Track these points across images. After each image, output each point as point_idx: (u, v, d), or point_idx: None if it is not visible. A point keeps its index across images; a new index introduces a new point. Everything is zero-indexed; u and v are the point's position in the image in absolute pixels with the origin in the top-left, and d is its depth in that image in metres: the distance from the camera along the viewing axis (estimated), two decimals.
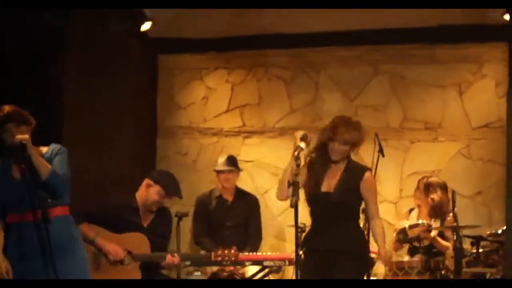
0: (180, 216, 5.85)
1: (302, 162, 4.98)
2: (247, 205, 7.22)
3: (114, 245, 5.72)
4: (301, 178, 4.90)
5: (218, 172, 7.17)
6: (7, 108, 4.79)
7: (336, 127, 5.13)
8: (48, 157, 4.87)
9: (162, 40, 8.31)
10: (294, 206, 4.59)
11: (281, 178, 5.11)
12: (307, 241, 5.29)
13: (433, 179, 6.90)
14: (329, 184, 5.17)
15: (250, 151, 8.31)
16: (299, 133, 4.99)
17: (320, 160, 5.19)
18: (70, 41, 6.80)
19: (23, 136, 4.69)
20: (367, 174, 5.22)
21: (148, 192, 5.90)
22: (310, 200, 5.22)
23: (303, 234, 5.61)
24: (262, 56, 8.34)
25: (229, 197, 7.20)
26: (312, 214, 5.26)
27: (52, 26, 6.52)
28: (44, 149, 4.93)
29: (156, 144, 8.54)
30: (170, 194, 5.96)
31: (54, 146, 4.96)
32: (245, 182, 7.77)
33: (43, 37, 6.52)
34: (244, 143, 8.38)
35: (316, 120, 8.07)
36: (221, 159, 7.22)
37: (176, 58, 8.59)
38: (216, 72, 8.54)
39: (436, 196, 6.76)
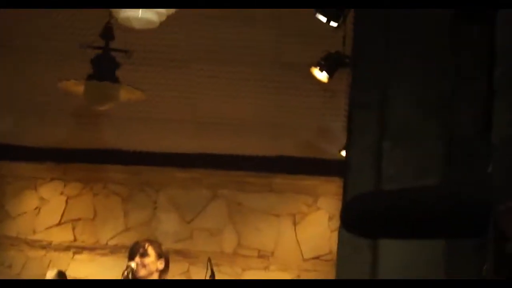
0: None
1: None
2: None
3: None
4: None
5: None
6: None
7: None
8: None
9: None
10: None
11: None
12: None
13: None
14: None
15: (79, 268, 8.03)
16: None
17: None
18: None
19: None
20: None
21: None
22: None
23: None
24: (101, 171, 8.23)
25: None
26: None
27: None
28: None
29: None
30: None
31: None
32: None
33: None
34: (74, 259, 8.11)
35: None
36: (50, 274, 6.91)
37: (10, 165, 8.32)
38: (52, 183, 8.32)
39: None
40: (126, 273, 4.88)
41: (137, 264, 5.03)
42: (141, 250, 5.13)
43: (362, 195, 2.71)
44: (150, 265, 5.11)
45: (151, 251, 5.15)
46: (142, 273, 5.08)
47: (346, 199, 4.43)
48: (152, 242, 5.39)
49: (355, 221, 2.32)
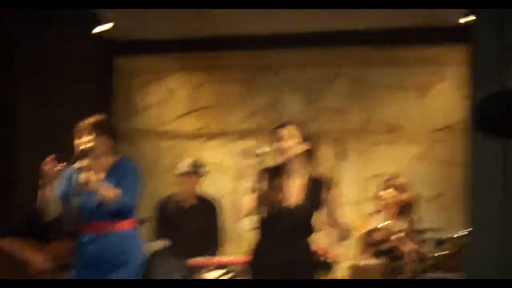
0: (141, 222, 5.68)
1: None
2: (206, 210, 7.10)
3: (37, 255, 5.63)
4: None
5: (179, 175, 7.03)
6: (94, 117, 4.89)
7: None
8: (115, 171, 4.86)
9: (118, 42, 8.17)
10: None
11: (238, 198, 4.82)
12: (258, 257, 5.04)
13: (399, 180, 6.86)
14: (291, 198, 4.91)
15: (210, 154, 8.20)
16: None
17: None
18: (20, 42, 6.64)
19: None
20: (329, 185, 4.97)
21: None
22: (268, 215, 4.89)
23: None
24: (221, 58, 8.25)
25: (188, 202, 7.07)
26: (268, 227, 4.93)
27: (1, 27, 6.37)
28: (111, 160, 4.90)
29: None
30: None
31: (123, 161, 4.97)
32: (205, 186, 7.66)
33: None
34: (204, 146, 8.28)
35: (277, 122, 7.97)
36: (183, 163, 7.06)
37: (134, 60, 8.46)
38: (176, 73, 8.43)
39: (403, 196, 6.73)
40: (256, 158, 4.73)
41: (276, 149, 4.77)
42: (277, 133, 4.83)
43: (491, 95, 2.55)
44: (287, 150, 4.81)
45: (286, 133, 4.84)
46: (279, 159, 4.83)
47: (471, 67, 4.28)
48: (289, 124, 4.94)
49: (487, 121, 2.22)
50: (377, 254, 6.74)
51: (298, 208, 4.83)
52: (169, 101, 8.41)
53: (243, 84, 8.26)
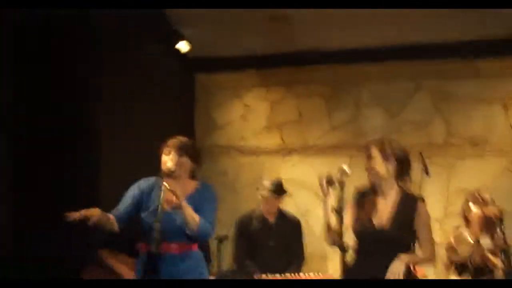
0: (221, 239, 5.67)
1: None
2: (289, 226, 7.07)
3: (128, 270, 5.69)
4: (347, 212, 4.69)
5: (261, 196, 7.02)
6: (178, 137, 4.99)
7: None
8: (195, 197, 4.91)
9: (199, 59, 8.25)
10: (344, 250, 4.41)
11: (325, 221, 4.74)
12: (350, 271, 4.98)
13: (484, 195, 6.73)
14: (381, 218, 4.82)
15: (290, 170, 8.19)
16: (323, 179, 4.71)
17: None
18: (105, 61, 6.75)
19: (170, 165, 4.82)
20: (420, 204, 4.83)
21: None
22: (360, 236, 4.81)
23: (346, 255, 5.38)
24: (301, 73, 8.24)
25: (271, 218, 7.05)
26: (360, 248, 4.85)
27: (86, 47, 6.49)
28: (192, 185, 4.96)
29: None
30: None
31: (204, 187, 5.01)
32: (285, 201, 7.64)
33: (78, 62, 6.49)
34: (284, 162, 8.26)
35: (358, 137, 7.93)
36: (266, 183, 7.02)
37: (214, 77, 8.53)
38: (254, 89, 8.45)
39: (488, 211, 6.59)
40: (338, 175, 4.64)
41: (366, 168, 4.69)
42: (367, 151, 4.70)
43: None
44: (376, 168, 4.71)
45: (375, 152, 4.72)
46: (370, 178, 4.74)
47: None
48: (378, 141, 4.79)
49: None
50: (461, 270, 6.62)
51: (390, 226, 4.75)
52: (249, 117, 8.44)
53: (323, 98, 8.22)
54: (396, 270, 4.60)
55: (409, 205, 4.79)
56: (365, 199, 4.82)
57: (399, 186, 4.83)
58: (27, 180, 6.26)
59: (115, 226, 4.81)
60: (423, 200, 4.85)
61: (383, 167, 4.72)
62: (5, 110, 6.19)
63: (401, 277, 4.60)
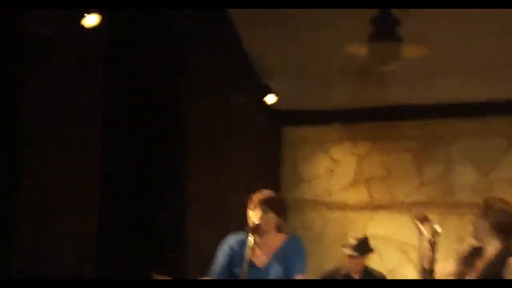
0: None
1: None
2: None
3: None
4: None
5: (348, 254, 6.87)
6: (263, 191, 4.90)
7: None
8: (284, 249, 4.84)
9: (286, 112, 8.24)
10: None
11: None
12: None
13: None
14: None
15: (377, 226, 8.03)
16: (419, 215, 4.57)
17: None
18: (192, 114, 6.80)
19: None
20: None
21: None
22: None
23: None
24: (389, 128, 8.13)
25: (356, 276, 6.89)
26: None
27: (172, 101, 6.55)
28: (280, 237, 4.90)
29: None
30: None
31: (293, 239, 4.93)
32: (371, 258, 7.46)
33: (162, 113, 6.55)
34: (371, 218, 8.11)
35: (448, 194, 7.73)
36: (353, 241, 6.85)
37: (300, 130, 8.49)
38: (341, 144, 8.37)
39: None
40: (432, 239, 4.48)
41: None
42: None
43: None
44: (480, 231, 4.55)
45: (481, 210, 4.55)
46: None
47: None
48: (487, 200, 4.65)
49: None
50: None
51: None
52: (335, 171, 8.35)
53: (412, 154, 8.07)
54: None
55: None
56: (468, 258, 4.67)
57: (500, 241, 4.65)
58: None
59: None
60: None
61: (487, 227, 4.56)
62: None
63: None
